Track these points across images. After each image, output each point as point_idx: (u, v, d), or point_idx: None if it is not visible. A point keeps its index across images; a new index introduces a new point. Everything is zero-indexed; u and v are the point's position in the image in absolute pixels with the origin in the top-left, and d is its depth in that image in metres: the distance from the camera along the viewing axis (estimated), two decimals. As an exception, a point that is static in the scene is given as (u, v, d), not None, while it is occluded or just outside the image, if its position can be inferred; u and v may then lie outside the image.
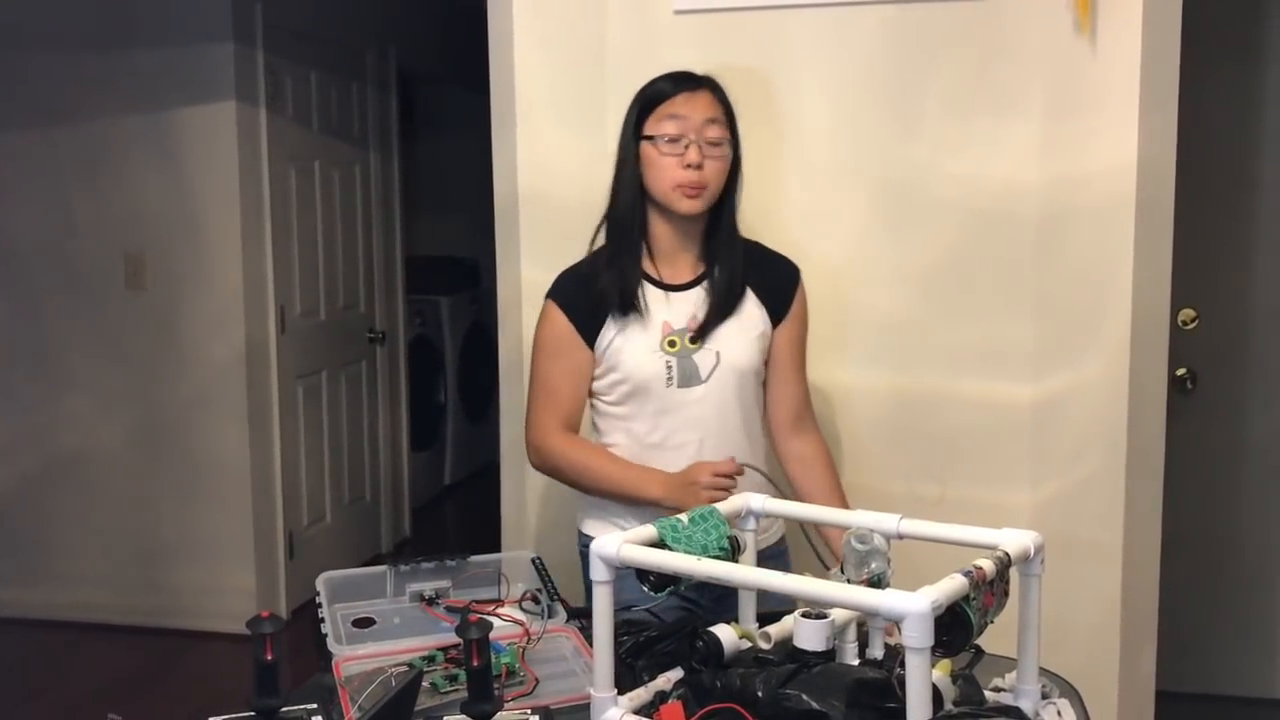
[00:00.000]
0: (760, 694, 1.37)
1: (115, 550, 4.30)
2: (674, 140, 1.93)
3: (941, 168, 2.38)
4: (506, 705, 1.51)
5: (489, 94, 2.56)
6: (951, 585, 1.32)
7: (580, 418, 2.06)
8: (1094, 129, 2.29)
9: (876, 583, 1.54)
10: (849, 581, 1.55)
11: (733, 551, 1.57)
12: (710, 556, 1.50)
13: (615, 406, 2.03)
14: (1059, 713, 1.51)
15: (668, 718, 1.41)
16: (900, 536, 1.62)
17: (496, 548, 2.57)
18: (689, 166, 1.92)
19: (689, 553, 1.49)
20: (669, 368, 1.97)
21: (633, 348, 1.98)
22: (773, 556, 2.06)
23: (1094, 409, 2.35)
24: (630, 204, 1.99)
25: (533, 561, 1.94)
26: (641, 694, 1.51)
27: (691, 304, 2.01)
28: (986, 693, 1.51)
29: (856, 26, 2.37)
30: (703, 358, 1.99)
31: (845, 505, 2.02)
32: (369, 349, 5.07)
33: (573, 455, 2.02)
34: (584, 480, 2.03)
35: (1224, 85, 3.30)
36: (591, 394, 2.06)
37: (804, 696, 1.35)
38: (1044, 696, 1.53)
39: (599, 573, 1.46)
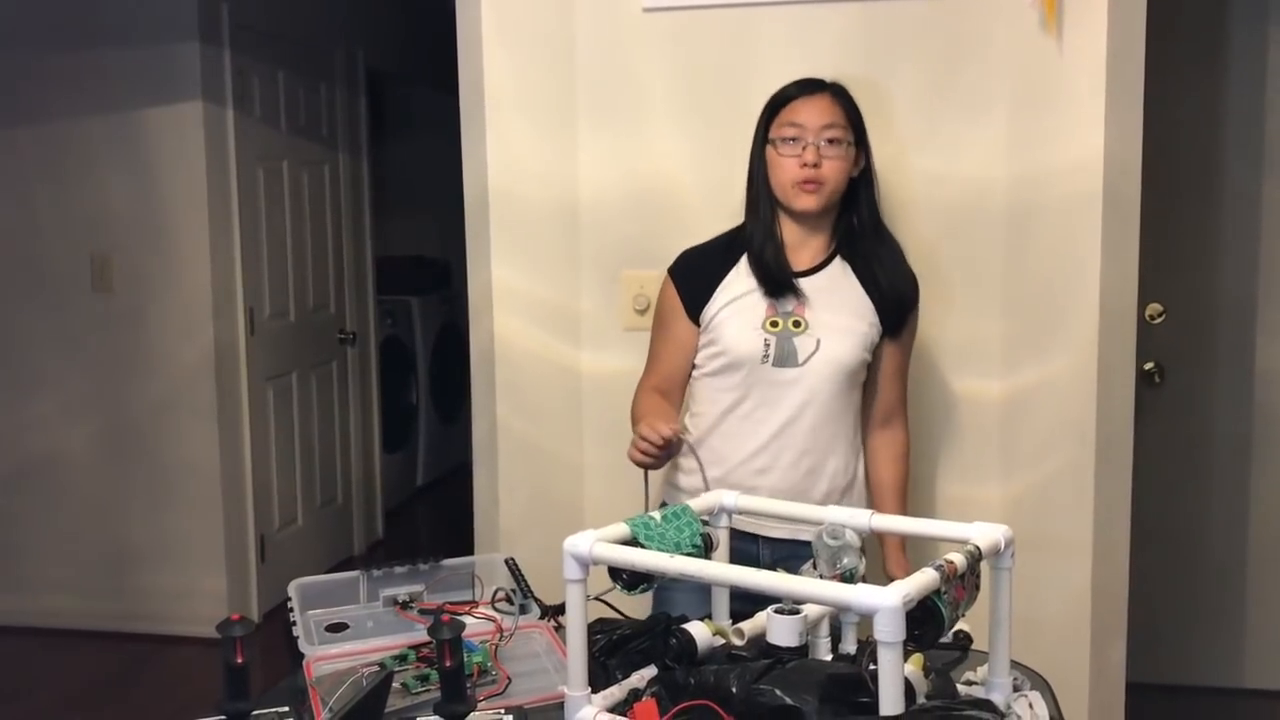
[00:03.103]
0: (734, 690, 1.38)
1: (84, 555, 4.26)
2: (792, 142, 2.02)
3: (909, 165, 2.39)
4: (479, 705, 1.51)
5: (458, 93, 2.55)
6: (923, 579, 1.32)
7: (678, 387, 2.15)
8: (1061, 126, 2.31)
9: (849, 578, 1.54)
10: (822, 577, 1.55)
11: (705, 549, 1.57)
12: (683, 554, 1.50)
13: (710, 378, 2.09)
14: (1030, 705, 1.52)
15: (642, 716, 1.41)
16: (873, 532, 1.63)
17: (470, 549, 2.57)
18: (805, 165, 2.01)
19: (661, 550, 1.49)
20: (767, 345, 2.03)
21: (736, 322, 2.05)
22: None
23: (1063, 403, 2.37)
24: (762, 203, 2.08)
25: (506, 562, 1.93)
26: (615, 692, 1.51)
27: (805, 290, 2.07)
28: (959, 686, 1.52)
29: (824, 24, 2.38)
30: (803, 342, 2.04)
31: (900, 500, 2.16)
32: (339, 350, 5.05)
33: (636, 397, 2.14)
34: (632, 417, 2.12)
35: (1189, 81, 3.33)
36: (694, 367, 2.13)
37: (777, 692, 1.35)
38: (1015, 689, 1.54)
39: (571, 571, 1.46)
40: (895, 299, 2.11)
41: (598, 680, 1.53)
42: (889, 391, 2.16)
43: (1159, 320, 3.37)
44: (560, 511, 2.55)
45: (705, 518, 1.66)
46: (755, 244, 2.07)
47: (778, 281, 2.05)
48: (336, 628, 1.81)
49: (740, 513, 1.76)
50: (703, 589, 1.77)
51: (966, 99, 2.34)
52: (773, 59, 2.40)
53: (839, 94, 2.08)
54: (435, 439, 6.17)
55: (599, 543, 1.46)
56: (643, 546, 1.49)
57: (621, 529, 1.51)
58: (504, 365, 2.56)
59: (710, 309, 2.07)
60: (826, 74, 2.37)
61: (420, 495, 6.09)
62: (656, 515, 1.55)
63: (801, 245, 2.09)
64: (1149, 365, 3.33)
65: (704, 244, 2.16)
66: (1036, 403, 2.38)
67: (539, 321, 2.54)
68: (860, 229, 2.11)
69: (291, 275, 4.61)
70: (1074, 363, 2.35)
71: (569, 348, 2.53)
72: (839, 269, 2.10)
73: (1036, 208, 2.34)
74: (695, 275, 2.10)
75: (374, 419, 5.36)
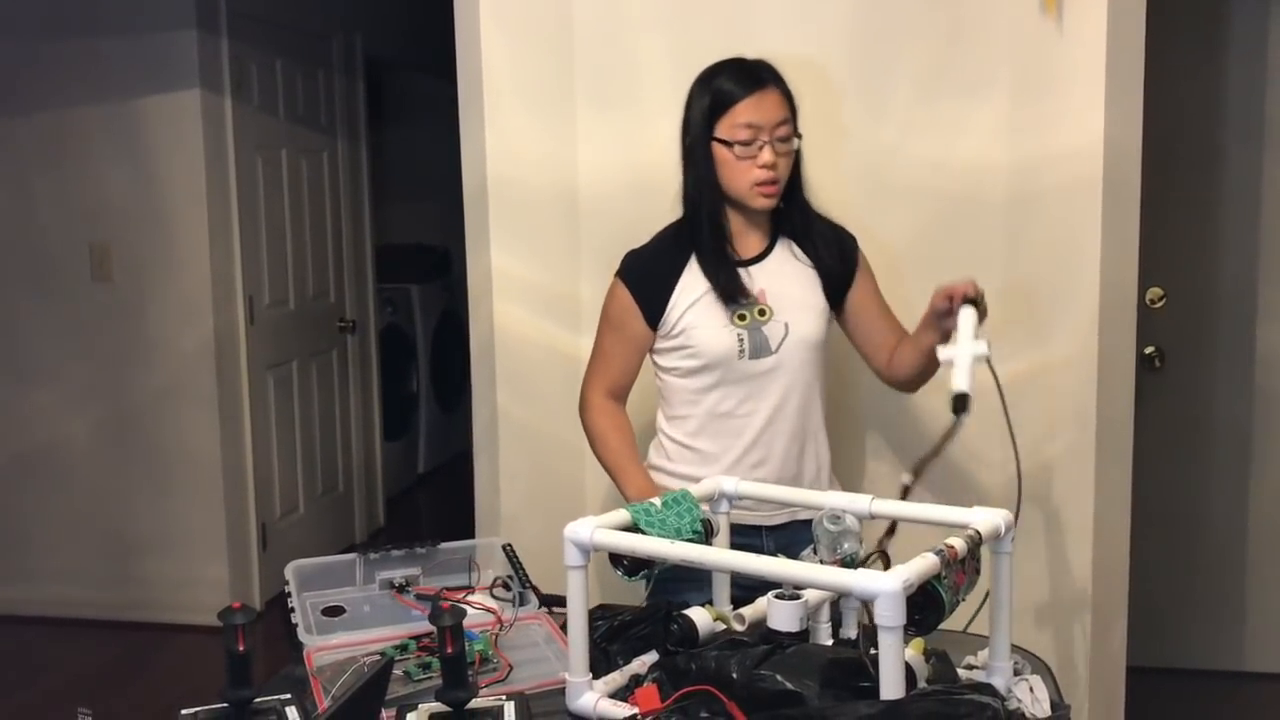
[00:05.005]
0: (735, 675, 1.38)
1: (87, 544, 4.26)
2: (748, 144, 1.99)
3: (910, 150, 2.38)
4: (481, 691, 1.51)
5: (456, 80, 2.55)
6: (923, 564, 1.33)
7: (629, 385, 2.15)
8: (1061, 110, 2.30)
9: (849, 563, 1.55)
10: (822, 562, 1.56)
11: (706, 534, 1.57)
12: (684, 539, 1.51)
13: (686, 379, 2.08)
14: (1031, 689, 1.52)
15: (643, 701, 1.41)
16: (873, 517, 1.63)
17: (470, 536, 2.56)
18: (764, 167, 1.99)
19: (662, 536, 1.49)
20: (741, 340, 2.03)
21: (705, 323, 2.04)
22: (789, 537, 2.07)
23: (1063, 388, 2.37)
24: (708, 199, 2.05)
25: (503, 548, 1.93)
26: (617, 678, 1.52)
27: (758, 278, 2.06)
28: (959, 670, 1.52)
29: (824, 8, 2.37)
30: (772, 329, 2.04)
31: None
32: (339, 338, 5.04)
33: (596, 421, 2.12)
34: (594, 447, 2.14)
35: (1189, 64, 3.32)
36: (661, 369, 2.12)
37: (778, 677, 1.36)
38: (1016, 673, 1.54)
39: (572, 557, 1.46)
40: (841, 261, 2.11)
41: (599, 666, 1.53)
42: (890, 320, 2.15)
43: (1159, 305, 3.36)
44: (561, 498, 2.55)
45: (705, 504, 1.67)
46: (705, 256, 2.04)
47: (733, 294, 2.03)
48: (333, 611, 1.81)
49: (740, 498, 1.76)
50: (701, 587, 1.78)
51: (966, 82, 2.34)
52: (772, 43, 2.38)
53: (780, 84, 2.03)
54: (436, 427, 6.18)
55: (599, 529, 1.46)
56: (643, 533, 1.50)
57: (622, 515, 1.52)
58: (504, 353, 2.55)
59: (671, 314, 2.06)
60: (827, 59, 2.38)
61: (421, 483, 6.10)
62: (657, 502, 1.56)
63: (746, 233, 2.09)
64: (1149, 350, 3.33)
65: (650, 244, 2.13)
66: (1037, 387, 2.38)
67: (539, 309, 2.53)
68: (796, 206, 2.09)
69: (291, 264, 4.60)
70: (1075, 347, 2.35)
71: (569, 334, 2.53)
72: (784, 249, 2.10)
73: (1037, 192, 2.33)
74: (648, 280, 2.08)
75: (374, 407, 5.36)
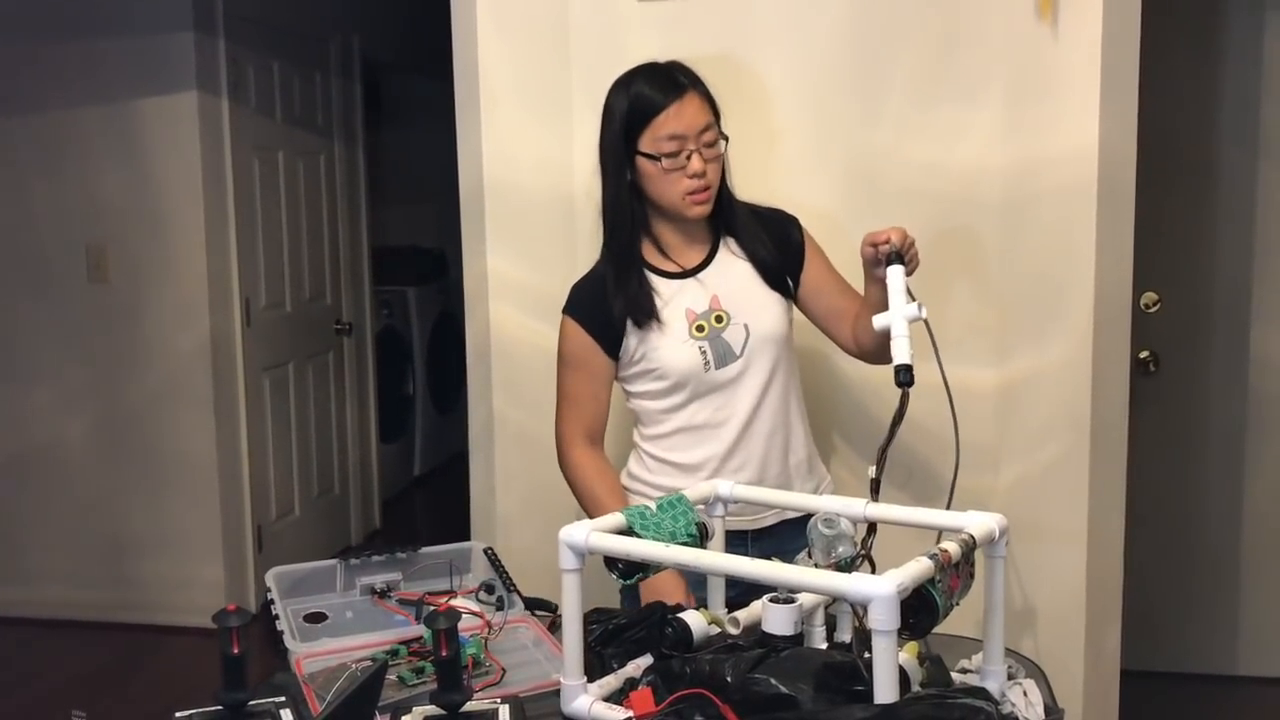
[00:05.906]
0: (729, 679, 1.38)
1: (82, 546, 4.26)
2: (674, 155, 1.94)
3: (905, 154, 2.38)
4: (475, 695, 1.51)
5: (453, 82, 2.55)
6: (917, 568, 1.33)
7: (603, 422, 2.09)
8: (1056, 114, 2.30)
9: (844, 567, 1.55)
10: (817, 566, 1.56)
11: (701, 538, 1.57)
12: (679, 543, 1.51)
13: (657, 400, 2.05)
14: (1025, 693, 1.52)
15: (637, 704, 1.41)
16: (867, 520, 1.63)
17: (467, 538, 2.57)
18: (694, 176, 1.95)
19: (657, 539, 1.50)
20: (704, 353, 2.00)
21: (665, 344, 2.00)
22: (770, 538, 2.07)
23: (1058, 392, 2.37)
24: (629, 217, 2.01)
25: (485, 552, 1.93)
26: (611, 681, 1.52)
27: (708, 284, 2.03)
28: (953, 674, 1.53)
29: (821, 12, 2.37)
30: (733, 334, 2.01)
31: None
32: (336, 340, 5.05)
33: (581, 477, 2.06)
34: (581, 503, 2.08)
35: (1185, 68, 3.33)
36: (630, 394, 2.09)
37: (772, 681, 1.36)
38: (1010, 677, 1.55)
39: (567, 560, 1.46)
40: (780, 247, 2.07)
41: (593, 669, 1.54)
42: (848, 292, 2.09)
43: (1154, 309, 3.37)
44: (557, 501, 2.54)
45: (700, 506, 1.67)
46: (613, 273, 2.00)
47: (642, 317, 1.99)
48: (315, 617, 1.81)
49: (736, 501, 1.76)
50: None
51: (962, 86, 2.34)
52: (768, 46, 2.40)
53: (700, 86, 1.98)
54: (432, 429, 6.18)
55: (595, 532, 1.46)
56: (638, 536, 1.50)
57: (617, 518, 1.52)
58: (500, 355, 2.56)
59: (629, 340, 2.01)
60: (823, 63, 2.38)
61: (417, 485, 6.10)
62: (652, 505, 1.56)
63: (686, 244, 2.05)
64: (1144, 353, 3.34)
65: (593, 274, 2.07)
66: (1032, 391, 2.38)
67: (535, 311, 2.53)
68: (721, 204, 2.04)
69: (288, 266, 4.61)
70: (1069, 351, 2.35)
71: (565, 337, 2.52)
72: (726, 250, 2.07)
73: (1032, 196, 2.34)
74: (599, 312, 2.01)
75: (370, 409, 5.36)
